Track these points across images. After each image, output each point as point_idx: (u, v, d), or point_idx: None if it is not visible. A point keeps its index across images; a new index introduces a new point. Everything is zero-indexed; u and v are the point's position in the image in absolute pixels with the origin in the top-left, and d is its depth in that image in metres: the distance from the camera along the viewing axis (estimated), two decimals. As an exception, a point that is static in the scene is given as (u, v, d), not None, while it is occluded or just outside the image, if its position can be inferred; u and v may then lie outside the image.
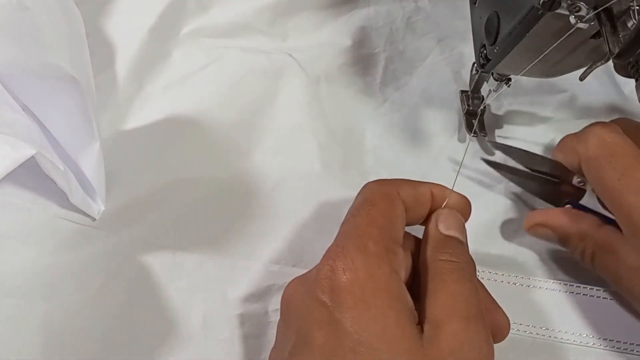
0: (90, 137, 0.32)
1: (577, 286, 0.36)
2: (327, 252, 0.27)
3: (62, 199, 0.34)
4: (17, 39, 0.29)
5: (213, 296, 0.34)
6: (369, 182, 0.31)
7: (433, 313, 0.25)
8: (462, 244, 0.30)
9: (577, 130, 0.36)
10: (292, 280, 0.29)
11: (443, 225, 0.30)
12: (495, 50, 0.33)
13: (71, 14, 0.34)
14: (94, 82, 0.34)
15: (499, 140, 0.42)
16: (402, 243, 0.28)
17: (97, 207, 0.34)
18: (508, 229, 0.39)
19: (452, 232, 0.30)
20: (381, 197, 0.29)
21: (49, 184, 0.33)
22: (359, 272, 0.25)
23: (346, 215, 0.29)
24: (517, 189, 0.40)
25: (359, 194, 0.30)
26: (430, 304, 0.26)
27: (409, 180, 0.31)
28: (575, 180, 0.36)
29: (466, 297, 0.26)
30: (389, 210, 0.28)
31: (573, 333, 0.35)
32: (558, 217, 0.35)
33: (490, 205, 0.39)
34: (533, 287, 0.36)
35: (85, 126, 0.32)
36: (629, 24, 0.27)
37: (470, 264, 0.29)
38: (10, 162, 0.26)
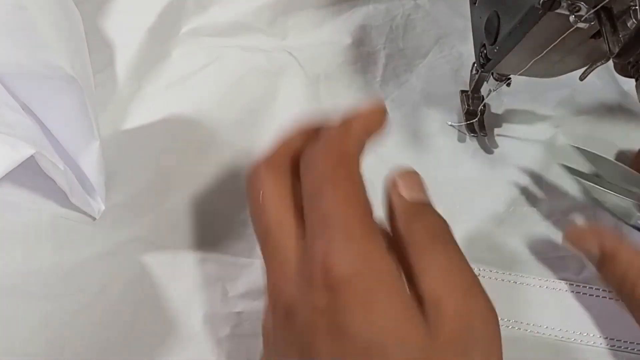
0: (90, 137, 0.32)
1: (576, 285, 0.36)
2: (310, 252, 0.23)
3: (62, 198, 0.34)
4: (16, 39, 0.29)
5: (213, 295, 0.34)
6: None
7: (428, 292, 0.23)
8: (430, 205, 0.26)
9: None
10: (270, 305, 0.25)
11: (405, 190, 0.26)
12: (495, 50, 0.33)
13: (70, 13, 0.34)
14: (93, 82, 0.34)
15: (498, 138, 0.42)
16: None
17: (98, 206, 0.34)
18: (508, 227, 0.39)
19: (417, 195, 0.26)
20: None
21: (49, 183, 0.33)
22: (355, 264, 0.22)
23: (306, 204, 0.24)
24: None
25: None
26: (422, 282, 0.23)
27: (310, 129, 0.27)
28: None
29: (455, 266, 0.24)
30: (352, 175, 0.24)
31: (574, 332, 0.35)
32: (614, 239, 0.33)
33: (489, 204, 0.39)
34: (532, 285, 0.36)
35: (84, 125, 0.32)
36: (629, 24, 0.27)
37: (446, 225, 0.25)
38: (10, 162, 0.26)
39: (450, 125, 0.40)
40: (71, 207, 0.34)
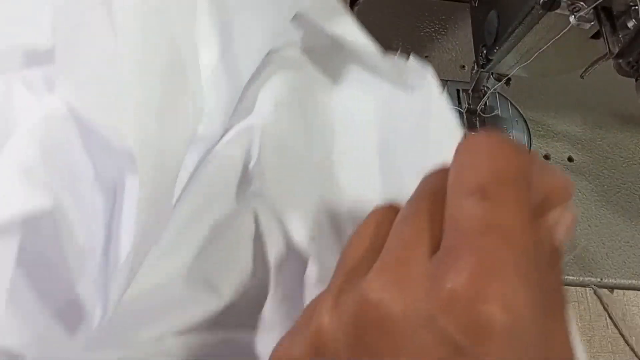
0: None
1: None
2: (460, 261, 0.13)
3: None
4: None
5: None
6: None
7: None
8: None
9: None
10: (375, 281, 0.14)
11: None
12: (496, 50, 0.33)
13: None
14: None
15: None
16: None
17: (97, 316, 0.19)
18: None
19: None
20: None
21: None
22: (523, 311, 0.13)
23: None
24: None
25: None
26: None
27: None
28: None
29: None
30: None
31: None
32: None
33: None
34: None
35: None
36: (629, 24, 0.27)
37: None
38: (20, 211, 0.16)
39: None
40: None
